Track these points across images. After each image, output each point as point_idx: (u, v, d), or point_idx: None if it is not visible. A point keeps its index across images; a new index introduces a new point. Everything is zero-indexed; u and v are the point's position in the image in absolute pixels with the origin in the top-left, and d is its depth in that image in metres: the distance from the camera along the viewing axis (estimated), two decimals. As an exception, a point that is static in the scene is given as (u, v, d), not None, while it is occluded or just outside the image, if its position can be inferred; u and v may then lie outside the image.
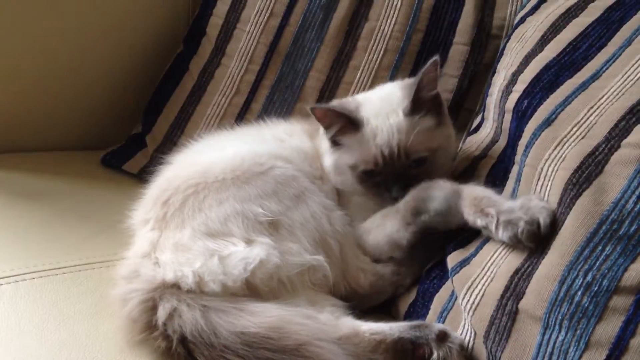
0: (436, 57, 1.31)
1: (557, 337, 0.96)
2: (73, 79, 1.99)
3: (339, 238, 1.27)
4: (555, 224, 1.08)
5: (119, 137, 2.10)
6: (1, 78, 1.86)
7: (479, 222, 1.18)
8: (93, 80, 2.04)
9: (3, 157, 1.90)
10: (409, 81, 1.41)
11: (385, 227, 1.30)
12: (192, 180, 1.26)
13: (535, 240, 1.09)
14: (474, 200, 1.20)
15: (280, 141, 1.47)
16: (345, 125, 1.36)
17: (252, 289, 1.15)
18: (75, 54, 1.96)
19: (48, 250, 1.42)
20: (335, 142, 1.39)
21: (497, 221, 1.14)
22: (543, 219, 1.07)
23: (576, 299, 0.96)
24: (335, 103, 1.46)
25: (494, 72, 1.59)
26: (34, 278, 1.31)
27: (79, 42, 1.95)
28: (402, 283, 1.32)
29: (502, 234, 1.13)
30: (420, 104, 1.33)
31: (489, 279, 1.15)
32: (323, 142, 1.45)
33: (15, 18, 1.81)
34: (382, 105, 1.37)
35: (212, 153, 1.36)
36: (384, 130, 1.33)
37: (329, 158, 1.42)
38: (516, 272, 1.09)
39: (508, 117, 1.36)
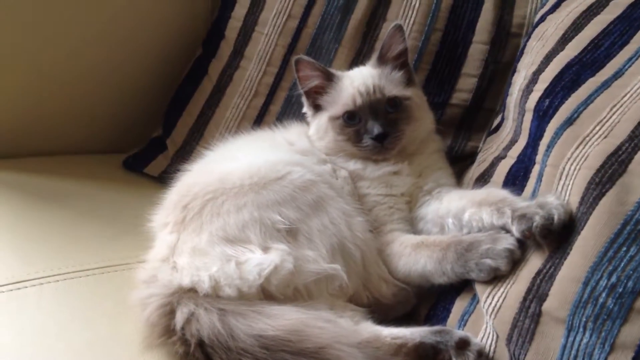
0: (398, 22, 1.49)
1: (582, 339, 0.95)
2: (94, 83, 2.01)
3: (360, 244, 1.26)
4: (571, 223, 1.07)
5: (140, 141, 2.12)
6: (24, 82, 1.90)
7: (496, 222, 1.20)
8: (114, 85, 2.06)
9: (26, 161, 1.93)
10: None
11: (417, 262, 1.26)
12: (210, 186, 1.27)
13: (548, 236, 1.09)
14: (493, 204, 1.22)
15: (291, 144, 1.49)
16: (323, 83, 1.49)
17: (268, 296, 1.15)
18: (96, 59, 1.98)
19: (71, 252, 1.44)
20: (316, 107, 1.52)
21: (513, 216, 1.17)
22: (558, 215, 1.08)
23: (600, 300, 0.95)
24: None
25: (514, 71, 1.57)
26: (58, 280, 1.33)
27: (100, 46, 1.97)
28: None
29: (517, 228, 1.15)
30: (384, 61, 1.49)
31: (511, 282, 1.13)
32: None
33: (36, 24, 1.84)
34: (357, 69, 1.55)
35: (229, 161, 1.38)
36: (359, 77, 1.48)
37: (311, 126, 1.52)
38: (538, 273, 1.08)
39: (528, 117, 1.35)
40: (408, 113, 1.45)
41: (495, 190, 1.28)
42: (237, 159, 1.37)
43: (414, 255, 1.27)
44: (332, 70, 1.50)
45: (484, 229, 1.23)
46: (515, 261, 1.16)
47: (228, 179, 1.27)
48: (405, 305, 1.30)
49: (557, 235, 1.09)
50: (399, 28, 1.46)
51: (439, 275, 1.23)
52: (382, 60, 1.48)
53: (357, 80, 1.46)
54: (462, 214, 1.28)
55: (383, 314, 1.22)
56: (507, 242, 1.17)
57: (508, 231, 1.19)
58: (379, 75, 1.47)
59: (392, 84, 1.46)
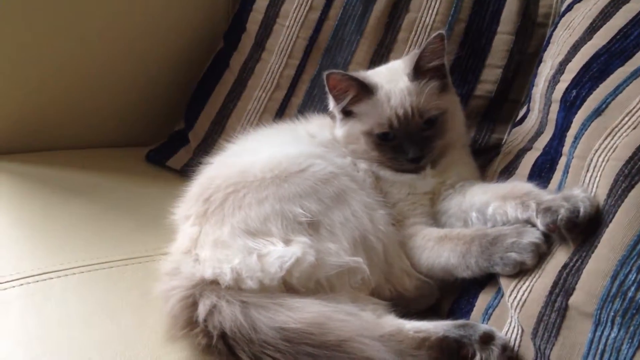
0: (442, 31, 1.38)
1: (610, 334, 0.93)
2: (117, 76, 2.03)
3: (382, 237, 1.25)
4: (598, 216, 1.05)
5: (162, 134, 2.13)
6: (48, 75, 1.92)
7: (521, 216, 1.18)
8: (137, 79, 2.08)
9: (50, 155, 1.96)
10: (413, 52, 1.46)
11: (441, 256, 1.25)
12: (232, 179, 1.27)
13: (574, 230, 1.07)
14: (518, 197, 1.20)
15: (312, 137, 1.48)
16: (357, 93, 1.40)
17: (290, 289, 1.15)
18: (118, 52, 2.00)
19: (95, 244, 1.46)
20: (346, 113, 1.44)
21: (537, 210, 1.15)
22: (584, 208, 1.06)
23: (629, 294, 0.93)
24: None
25: (540, 62, 1.55)
26: (82, 272, 1.35)
27: (122, 40, 1.99)
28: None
29: (542, 221, 1.13)
30: (422, 72, 1.39)
31: (537, 275, 1.12)
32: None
33: (57, 17, 1.86)
34: (390, 74, 1.44)
35: (251, 154, 1.38)
36: (396, 93, 1.38)
37: (340, 128, 1.46)
38: (564, 267, 1.06)
39: (555, 108, 1.33)
40: (443, 127, 1.40)
41: (519, 184, 1.27)
42: (259, 152, 1.37)
43: (437, 249, 1.26)
44: (368, 81, 1.40)
45: (509, 223, 1.21)
46: (541, 255, 1.14)
47: (249, 172, 1.28)
48: (428, 298, 1.29)
49: (583, 229, 1.07)
50: (442, 38, 1.37)
51: (462, 269, 1.22)
52: (418, 72, 1.39)
53: (394, 99, 1.37)
54: (486, 207, 1.26)
55: (405, 307, 1.21)
56: (533, 235, 1.15)
57: (533, 225, 1.17)
58: (416, 91, 1.37)
59: (429, 97, 1.38)
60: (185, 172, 1.70)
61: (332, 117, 1.52)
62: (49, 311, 1.22)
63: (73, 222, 1.57)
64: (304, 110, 1.81)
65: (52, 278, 1.31)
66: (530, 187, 1.23)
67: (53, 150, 1.99)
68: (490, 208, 1.25)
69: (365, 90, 1.40)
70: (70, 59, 1.93)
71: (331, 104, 1.47)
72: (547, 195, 1.17)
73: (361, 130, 1.41)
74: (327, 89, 1.43)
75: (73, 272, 1.34)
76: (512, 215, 1.20)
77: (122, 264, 1.40)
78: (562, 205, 1.10)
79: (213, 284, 1.15)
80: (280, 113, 1.89)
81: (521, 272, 1.15)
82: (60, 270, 1.34)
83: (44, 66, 1.90)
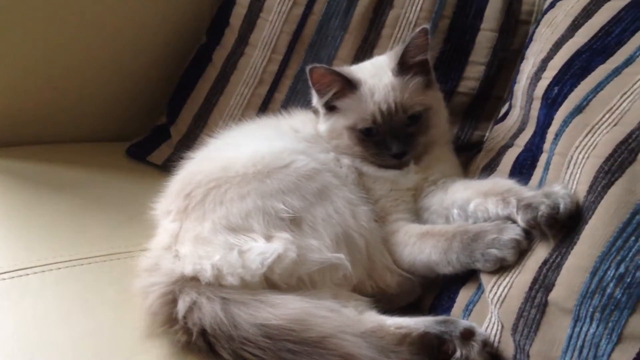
0: (425, 26, 1.38)
1: (588, 329, 0.94)
2: (97, 70, 2.01)
3: (365, 233, 1.25)
4: (578, 213, 1.06)
5: (143, 129, 2.11)
6: (26, 70, 1.89)
7: (501, 212, 1.19)
8: (118, 73, 2.06)
9: (29, 149, 1.93)
10: (397, 47, 1.45)
11: (422, 252, 1.25)
12: (213, 174, 1.27)
13: (554, 226, 1.08)
14: (499, 194, 1.20)
15: (295, 132, 1.47)
16: (341, 88, 1.40)
17: (272, 285, 1.14)
18: (99, 46, 1.97)
19: (74, 240, 1.44)
20: (330, 108, 1.44)
21: (518, 206, 1.15)
22: (564, 205, 1.07)
23: (608, 290, 0.93)
24: None
25: (523, 59, 1.56)
26: (60, 268, 1.33)
27: (103, 34, 1.96)
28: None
29: (522, 217, 1.14)
30: (407, 67, 1.39)
31: (517, 271, 1.12)
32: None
33: (40, 12, 1.83)
34: (374, 69, 1.44)
35: (233, 149, 1.37)
36: (380, 89, 1.38)
37: (323, 123, 1.45)
38: (545, 263, 1.07)
39: (536, 105, 1.33)
40: (427, 123, 1.41)
41: (501, 180, 1.27)
42: (241, 147, 1.36)
43: (418, 245, 1.26)
44: (351, 76, 1.40)
45: (490, 220, 1.22)
46: (522, 251, 1.15)
47: (231, 167, 1.27)
48: (410, 295, 1.29)
49: (563, 225, 1.08)
50: (425, 32, 1.37)
51: (444, 265, 1.22)
52: (403, 67, 1.39)
53: (378, 95, 1.37)
54: (467, 204, 1.27)
55: (387, 303, 1.21)
56: (513, 232, 1.16)
57: (514, 221, 1.18)
58: (400, 86, 1.38)
59: (413, 93, 1.38)
60: (167, 167, 1.69)
61: (316, 112, 1.52)
62: (25, 308, 1.20)
63: (51, 217, 1.55)
64: (287, 106, 1.80)
65: (28, 274, 1.29)
66: (511, 183, 1.23)
67: (32, 145, 1.96)
68: (472, 205, 1.26)
69: (349, 85, 1.39)
70: (50, 52, 1.90)
71: (314, 99, 1.47)
72: (527, 192, 1.17)
73: (344, 125, 1.41)
74: (310, 83, 1.42)
75: (50, 268, 1.32)
76: (493, 211, 1.21)
77: (100, 260, 1.38)
78: (542, 202, 1.10)
79: (193, 280, 1.14)
80: (263, 108, 1.88)
81: (502, 268, 1.16)
82: (37, 267, 1.32)
83: (23, 60, 1.87)
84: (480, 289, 1.19)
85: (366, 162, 1.41)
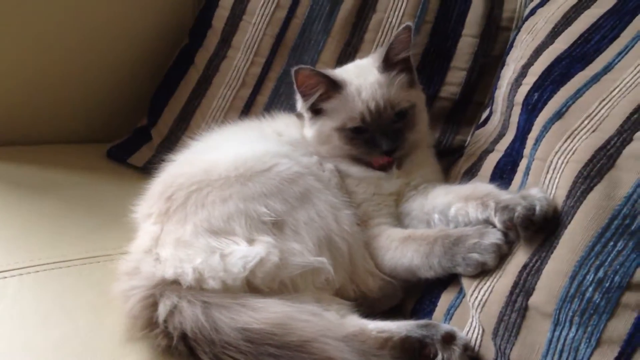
0: (409, 23, 1.40)
1: (568, 334, 0.95)
2: (78, 71, 1.98)
3: (347, 237, 1.25)
4: (554, 216, 1.08)
5: (124, 130, 2.09)
6: (5, 71, 1.86)
7: (480, 215, 1.20)
8: (98, 73, 2.03)
9: (9, 150, 1.90)
10: (381, 48, 1.47)
11: (404, 256, 1.25)
12: (195, 177, 1.26)
13: (530, 227, 1.10)
14: (479, 198, 1.22)
15: (278, 135, 1.47)
16: (326, 90, 1.40)
17: (254, 289, 1.14)
18: (80, 47, 1.95)
19: (53, 243, 1.42)
20: (316, 111, 1.44)
21: (496, 208, 1.17)
22: (540, 206, 1.09)
23: (587, 295, 0.95)
24: None
25: (503, 65, 1.57)
26: (38, 271, 1.31)
27: (83, 34, 1.94)
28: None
29: (499, 218, 1.15)
30: (391, 64, 1.42)
31: (498, 275, 1.13)
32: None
33: (16, 11, 1.80)
34: (358, 70, 1.46)
35: (215, 152, 1.36)
36: (367, 87, 1.39)
37: (310, 128, 1.45)
38: (525, 267, 1.08)
39: (517, 110, 1.35)
40: (412, 120, 1.43)
41: (481, 185, 1.28)
42: (224, 150, 1.35)
43: (400, 249, 1.26)
44: (337, 77, 1.41)
45: (471, 224, 1.23)
46: (503, 256, 1.16)
47: (213, 170, 1.26)
48: (392, 299, 1.30)
49: (539, 228, 1.09)
50: (409, 29, 1.39)
51: (425, 270, 1.22)
52: (388, 64, 1.41)
53: (365, 93, 1.38)
54: (448, 209, 1.27)
55: (369, 307, 1.21)
56: (494, 236, 1.17)
57: (492, 224, 1.19)
58: (387, 83, 1.40)
59: (398, 91, 1.40)
60: (147, 170, 1.67)
61: (300, 117, 1.51)
62: (3, 311, 1.18)
63: (30, 219, 1.52)
64: (270, 109, 1.80)
65: (6, 277, 1.27)
66: (491, 187, 1.24)
67: (10, 146, 1.93)
68: (453, 209, 1.26)
69: (334, 86, 1.40)
70: (28, 51, 1.87)
71: (299, 103, 1.46)
72: (505, 195, 1.19)
73: (332, 126, 1.41)
74: (295, 86, 1.41)
75: (28, 271, 1.30)
76: (473, 215, 1.22)
77: (80, 263, 1.36)
78: (519, 203, 1.12)
79: (174, 284, 1.13)
80: (246, 111, 1.87)
81: (483, 272, 1.16)
82: (15, 270, 1.30)
83: (0, 60, 1.84)
84: (461, 293, 1.20)
85: (354, 162, 1.41)
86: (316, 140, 1.44)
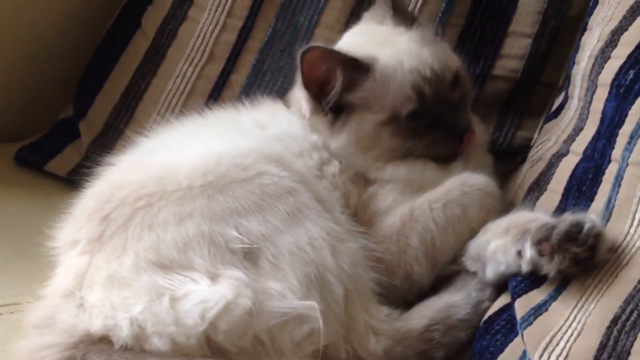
0: None
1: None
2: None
3: (345, 280, 1.25)
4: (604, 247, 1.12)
5: (40, 125, 2.12)
6: None
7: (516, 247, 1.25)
8: (4, 48, 2.06)
9: None
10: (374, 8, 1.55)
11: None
12: (145, 188, 1.26)
13: (572, 248, 1.13)
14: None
15: (261, 128, 1.49)
16: (350, 76, 1.42)
17: (216, 349, 1.13)
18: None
19: None
20: (337, 110, 1.45)
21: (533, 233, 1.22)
22: (590, 224, 1.13)
23: None
24: None
25: (584, 30, 1.58)
26: None
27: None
28: (434, 355, 1.29)
29: (532, 241, 1.20)
30: (406, 16, 1.49)
31: (576, 333, 1.13)
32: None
33: None
34: (369, 37, 1.50)
35: (175, 151, 1.37)
36: (407, 53, 1.43)
37: (341, 135, 1.46)
38: (614, 321, 1.08)
39: (602, 94, 1.35)
40: (467, 87, 1.49)
41: (525, 214, 1.32)
42: (186, 149, 1.37)
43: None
44: (363, 56, 1.42)
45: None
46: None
47: (171, 178, 1.27)
48: None
49: (589, 256, 1.12)
50: None
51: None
52: (403, 17, 1.48)
53: (408, 60, 1.42)
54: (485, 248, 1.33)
55: None
56: None
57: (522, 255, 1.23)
58: (427, 41, 1.45)
59: (442, 46, 1.48)
60: (73, 180, 1.68)
61: (290, 104, 1.53)
62: None
63: None
64: (249, 92, 1.81)
65: None
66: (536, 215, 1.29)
67: None
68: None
69: (359, 68, 1.42)
70: None
71: (306, 103, 1.47)
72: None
73: (378, 121, 1.44)
74: (301, 76, 1.42)
75: None
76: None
77: (-29, 315, 1.37)
78: (562, 220, 1.16)
79: (103, 341, 1.13)
80: (215, 95, 1.90)
81: (551, 326, 1.17)
82: None
83: None
84: (525, 357, 1.19)
85: (410, 159, 1.46)
86: (355, 147, 1.46)
